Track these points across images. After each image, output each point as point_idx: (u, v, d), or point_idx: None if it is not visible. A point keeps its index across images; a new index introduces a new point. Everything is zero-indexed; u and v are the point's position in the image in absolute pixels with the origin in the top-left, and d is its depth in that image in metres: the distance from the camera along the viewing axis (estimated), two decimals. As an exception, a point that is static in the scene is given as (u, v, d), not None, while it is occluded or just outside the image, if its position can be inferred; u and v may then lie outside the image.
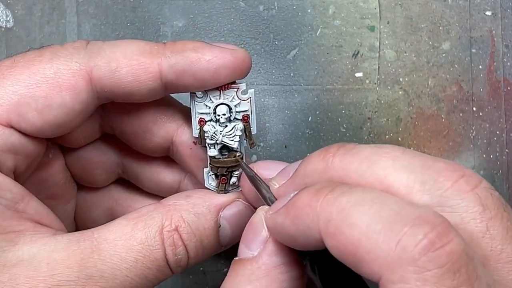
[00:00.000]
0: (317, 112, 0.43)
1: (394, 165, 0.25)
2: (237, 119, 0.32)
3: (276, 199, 0.30)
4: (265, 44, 0.44)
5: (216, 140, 0.32)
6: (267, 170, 0.32)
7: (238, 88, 0.32)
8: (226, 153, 0.33)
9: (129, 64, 0.30)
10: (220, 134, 0.32)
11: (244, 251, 0.29)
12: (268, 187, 0.30)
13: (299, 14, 0.44)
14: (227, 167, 0.33)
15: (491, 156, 0.43)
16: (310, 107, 0.43)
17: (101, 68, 0.30)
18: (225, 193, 0.33)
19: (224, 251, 0.44)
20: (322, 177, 0.27)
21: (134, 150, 0.36)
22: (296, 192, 0.26)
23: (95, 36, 0.44)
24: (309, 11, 0.44)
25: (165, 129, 0.34)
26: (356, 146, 0.27)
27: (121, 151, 0.36)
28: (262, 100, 0.44)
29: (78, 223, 0.38)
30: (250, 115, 0.32)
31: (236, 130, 0.32)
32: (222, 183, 0.33)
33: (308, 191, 0.25)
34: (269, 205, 0.30)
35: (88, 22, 0.44)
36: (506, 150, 0.43)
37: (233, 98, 0.32)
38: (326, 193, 0.24)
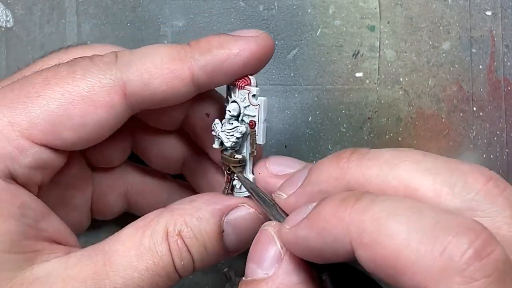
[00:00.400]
0: (317, 112, 0.43)
1: (418, 168, 0.24)
2: (245, 122, 0.32)
3: (283, 210, 0.29)
4: (265, 44, 0.44)
5: (216, 133, 0.32)
6: (279, 166, 0.31)
7: (250, 91, 0.31)
8: (229, 152, 0.33)
9: (161, 73, 0.30)
10: (221, 128, 0.32)
11: (255, 271, 0.27)
12: (273, 198, 0.29)
13: (299, 14, 0.44)
14: (228, 166, 0.33)
15: (491, 156, 0.43)
16: (310, 107, 0.43)
17: (135, 81, 0.30)
18: (226, 193, 0.33)
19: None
20: (338, 184, 0.26)
21: (145, 126, 0.36)
22: (314, 204, 0.25)
23: (95, 36, 0.44)
24: (309, 11, 0.44)
25: (179, 151, 0.35)
26: (370, 151, 0.26)
27: (134, 128, 0.36)
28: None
29: (94, 211, 0.38)
30: (256, 123, 0.32)
31: (236, 132, 0.32)
32: (226, 182, 0.33)
33: (332, 200, 0.24)
34: (275, 219, 0.29)
35: (88, 22, 0.44)
36: (506, 150, 0.43)
37: (244, 99, 0.32)
38: (353, 202, 0.23)
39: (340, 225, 0.23)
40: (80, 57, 0.31)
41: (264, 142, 0.32)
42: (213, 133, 0.32)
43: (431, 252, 0.21)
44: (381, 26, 0.43)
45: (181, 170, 0.38)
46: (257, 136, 0.32)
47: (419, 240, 0.21)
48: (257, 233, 0.29)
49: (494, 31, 0.43)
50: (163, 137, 0.37)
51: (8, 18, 0.44)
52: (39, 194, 0.31)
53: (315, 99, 0.43)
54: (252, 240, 0.30)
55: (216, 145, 0.32)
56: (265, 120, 0.32)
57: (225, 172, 0.33)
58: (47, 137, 0.29)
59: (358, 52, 0.43)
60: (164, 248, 0.29)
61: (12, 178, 0.29)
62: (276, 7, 0.44)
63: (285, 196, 0.29)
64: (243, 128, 0.31)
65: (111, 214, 0.39)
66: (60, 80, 0.30)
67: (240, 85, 0.31)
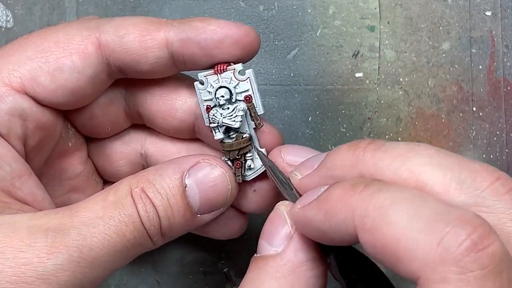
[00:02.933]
0: (317, 112, 0.43)
1: (430, 162, 0.25)
2: (239, 100, 0.32)
3: (297, 191, 0.29)
4: (265, 44, 0.44)
5: (217, 123, 0.32)
6: (294, 156, 0.32)
7: (235, 69, 0.32)
8: (234, 135, 0.33)
9: (137, 30, 0.31)
10: (221, 116, 0.32)
11: (266, 247, 0.28)
12: (286, 176, 0.30)
13: (299, 14, 0.44)
14: (238, 150, 0.33)
15: (491, 156, 0.43)
16: (310, 107, 0.43)
17: (109, 33, 0.31)
18: (243, 179, 0.33)
19: (224, 252, 0.44)
20: (351, 172, 0.27)
21: (156, 138, 0.36)
22: (326, 187, 0.26)
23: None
24: (309, 11, 0.44)
25: (187, 103, 0.34)
26: (387, 143, 0.27)
27: (143, 140, 0.37)
28: (262, 100, 0.43)
29: (106, 175, 0.38)
30: (252, 94, 0.32)
31: (238, 111, 0.32)
32: (237, 168, 0.33)
33: (341, 185, 0.25)
34: (289, 198, 0.29)
35: (88, 22, 0.44)
36: (506, 150, 0.43)
37: (231, 80, 0.32)
38: (361, 189, 0.24)
39: (346, 209, 0.24)
40: None
41: (264, 111, 0.33)
42: (213, 124, 0.32)
43: (429, 241, 0.21)
44: (381, 26, 0.43)
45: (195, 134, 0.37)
46: (256, 108, 0.32)
47: (418, 229, 0.21)
48: (221, 188, 0.31)
49: (494, 31, 0.43)
50: (174, 151, 0.36)
51: (8, 18, 0.44)
52: (28, 158, 0.31)
53: (315, 99, 0.43)
54: (219, 198, 0.31)
55: (219, 135, 0.33)
56: (258, 90, 0.32)
57: (232, 161, 0.33)
58: (25, 83, 0.30)
59: (358, 52, 0.43)
60: (128, 201, 0.29)
61: None
62: (276, 8, 0.44)
63: (300, 176, 0.29)
64: (242, 105, 0.32)
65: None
66: (41, 33, 0.31)
67: (221, 68, 0.32)
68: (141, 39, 0.31)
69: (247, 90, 0.32)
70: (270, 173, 0.31)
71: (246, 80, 0.32)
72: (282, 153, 0.32)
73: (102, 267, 0.28)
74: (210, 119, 0.32)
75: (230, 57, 0.32)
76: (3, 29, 0.44)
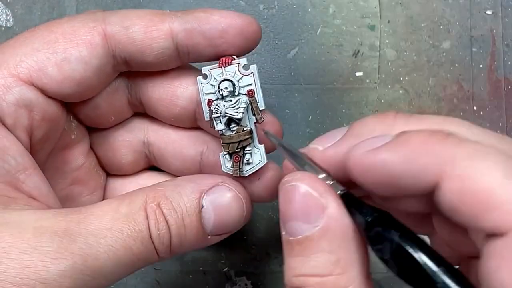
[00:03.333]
0: (318, 111, 0.43)
1: (467, 132, 0.24)
2: (242, 93, 0.33)
3: (316, 164, 0.27)
4: (265, 43, 0.44)
5: (220, 113, 0.32)
6: (328, 138, 0.29)
7: (239, 63, 0.32)
8: (235, 128, 0.33)
9: (142, 22, 0.31)
10: (224, 107, 0.32)
11: (303, 227, 0.25)
12: (302, 153, 0.28)
13: (299, 13, 0.44)
14: (238, 142, 0.33)
15: (492, 156, 0.43)
16: (311, 106, 0.43)
17: (115, 24, 0.31)
18: (241, 174, 0.33)
19: (224, 252, 0.44)
20: None
21: (158, 126, 0.36)
22: (393, 134, 0.24)
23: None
24: (309, 10, 0.44)
25: (188, 91, 0.34)
26: (413, 114, 0.26)
27: (145, 128, 0.37)
28: (262, 99, 0.43)
29: (108, 166, 0.38)
30: (254, 89, 0.33)
31: (241, 103, 0.32)
32: (235, 162, 0.33)
33: (420, 131, 0.24)
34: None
35: (88, 21, 0.44)
36: (507, 150, 0.43)
37: (235, 73, 0.33)
38: (445, 136, 0.23)
39: (432, 153, 0.23)
40: None
41: (265, 107, 0.33)
42: (215, 114, 0.33)
43: None
44: (381, 25, 0.43)
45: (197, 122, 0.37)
46: (258, 103, 0.33)
47: None
48: (236, 213, 0.31)
49: (494, 30, 0.43)
50: (175, 137, 0.37)
51: (8, 18, 0.44)
52: (33, 151, 0.31)
53: (316, 98, 0.43)
54: (232, 223, 0.31)
55: (220, 126, 0.33)
56: (260, 85, 0.33)
57: (230, 155, 0.33)
58: (33, 74, 0.30)
59: (358, 51, 0.43)
60: (140, 216, 0.29)
61: (0, 120, 0.30)
62: (276, 7, 0.44)
63: (321, 148, 0.28)
64: (245, 98, 0.32)
65: (129, 169, 0.38)
66: (47, 25, 0.32)
67: (226, 61, 0.32)
68: (146, 30, 0.31)
69: (250, 85, 0.33)
70: (284, 149, 0.29)
71: (250, 75, 0.33)
72: (315, 144, 0.29)
73: (105, 278, 0.28)
74: (214, 109, 0.33)
75: (234, 47, 0.32)
76: (3, 28, 0.44)
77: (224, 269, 0.43)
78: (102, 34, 0.31)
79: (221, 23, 0.31)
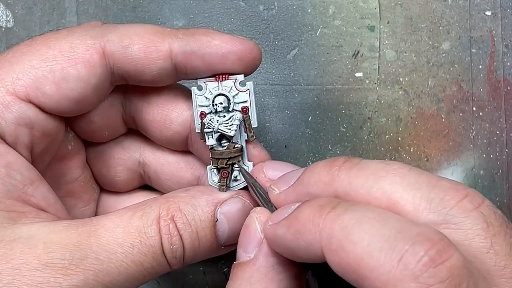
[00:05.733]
0: (317, 112, 0.43)
1: (402, 182, 0.25)
2: (236, 110, 0.33)
3: (273, 205, 0.30)
4: (265, 44, 0.44)
5: (213, 128, 0.32)
6: (275, 171, 0.32)
7: (236, 79, 0.32)
8: (226, 144, 0.33)
9: (141, 41, 0.31)
10: (217, 122, 0.32)
11: (241, 254, 0.29)
12: (267, 192, 0.30)
13: (299, 14, 0.44)
14: (227, 159, 0.33)
15: (491, 156, 0.43)
16: (310, 107, 0.43)
17: (114, 43, 0.31)
18: (226, 190, 0.33)
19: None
20: (326, 189, 0.27)
21: (155, 147, 0.36)
22: (297, 205, 0.26)
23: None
24: (309, 11, 0.44)
25: (183, 116, 0.34)
26: (361, 161, 0.27)
27: (142, 148, 0.37)
28: (262, 100, 0.44)
29: (102, 183, 0.38)
30: (249, 107, 0.32)
31: (234, 120, 0.32)
32: (223, 178, 0.33)
33: (310, 205, 0.25)
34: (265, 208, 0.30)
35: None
36: (506, 150, 0.43)
37: (231, 89, 0.32)
38: (328, 210, 0.24)
39: (314, 230, 0.24)
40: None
41: (257, 125, 0.33)
42: (208, 129, 0.32)
43: (390, 259, 0.22)
44: (381, 26, 0.43)
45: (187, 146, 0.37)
46: (251, 120, 0.33)
47: (379, 248, 0.22)
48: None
49: (494, 31, 0.43)
50: (171, 159, 0.36)
51: (8, 18, 0.44)
52: (33, 164, 0.31)
53: (315, 99, 0.43)
54: None
55: (212, 141, 0.33)
56: (255, 103, 0.33)
57: (218, 169, 0.33)
58: (30, 92, 0.30)
59: (358, 52, 0.43)
60: (153, 230, 0.29)
61: (0, 137, 0.29)
62: (276, 7, 0.44)
63: (277, 191, 0.30)
64: (239, 115, 0.32)
65: (123, 187, 0.38)
66: (44, 40, 0.31)
67: (223, 76, 0.32)
68: (145, 50, 0.31)
69: (245, 102, 0.32)
70: (252, 189, 0.32)
71: (246, 92, 0.32)
72: (264, 169, 0.32)
73: None
74: (207, 124, 0.32)
75: (232, 71, 0.32)
76: (3, 29, 0.44)
77: (224, 269, 0.43)
78: (101, 52, 0.31)
79: (222, 49, 0.31)
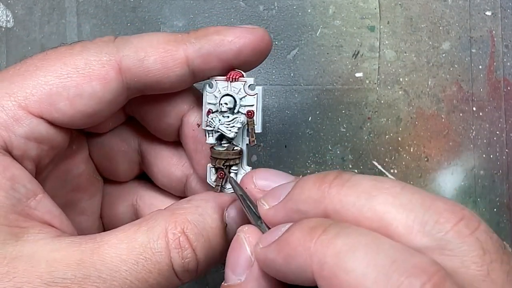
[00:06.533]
0: (317, 112, 0.43)
1: (394, 202, 0.24)
2: (241, 112, 0.32)
3: (263, 221, 0.29)
4: (265, 44, 0.44)
5: (214, 127, 0.32)
6: (265, 180, 0.31)
7: (246, 82, 0.32)
8: (226, 145, 0.33)
9: (156, 52, 0.31)
10: (219, 122, 0.32)
11: (231, 277, 0.28)
12: (256, 206, 0.29)
13: (299, 14, 0.44)
14: (225, 160, 0.33)
15: (491, 156, 0.43)
16: (310, 107, 0.43)
17: (130, 57, 0.31)
18: (221, 191, 0.33)
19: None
20: (316, 207, 0.26)
21: (151, 138, 0.36)
22: (288, 226, 0.26)
23: (95, 36, 0.43)
24: (309, 11, 0.44)
25: (176, 109, 0.34)
26: (353, 177, 0.26)
27: (140, 139, 0.37)
28: (262, 100, 0.44)
29: (104, 220, 0.38)
30: (255, 111, 0.32)
31: (236, 122, 0.32)
32: (219, 178, 0.33)
33: (301, 228, 0.25)
34: (254, 225, 0.29)
35: (88, 22, 0.44)
36: (506, 150, 0.43)
37: (239, 90, 0.32)
38: (320, 233, 0.24)
39: (305, 254, 0.24)
40: (83, 40, 0.32)
41: (261, 131, 0.33)
42: (209, 128, 0.32)
43: None
44: (381, 26, 0.43)
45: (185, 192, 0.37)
46: (255, 125, 0.32)
47: (373, 279, 0.21)
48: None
49: (494, 31, 0.43)
50: (164, 154, 0.37)
51: (8, 18, 0.44)
52: (37, 173, 0.31)
53: (315, 99, 0.43)
54: None
55: (211, 140, 0.33)
56: (261, 109, 0.32)
57: (216, 169, 0.33)
58: (43, 108, 0.30)
59: (358, 52, 0.43)
60: (159, 246, 0.28)
61: (7, 150, 0.29)
62: (276, 7, 0.44)
63: (267, 206, 0.29)
64: (242, 118, 0.32)
65: (124, 176, 0.38)
66: (58, 55, 0.31)
67: (234, 77, 0.32)
68: (162, 60, 0.31)
69: (252, 106, 0.32)
70: (241, 201, 0.30)
71: (254, 96, 0.32)
72: (254, 178, 0.31)
73: None
74: (208, 122, 0.32)
75: (246, 64, 0.32)
76: (3, 29, 0.44)
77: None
78: (117, 68, 0.31)
79: (236, 44, 0.31)
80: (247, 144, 0.33)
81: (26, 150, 0.30)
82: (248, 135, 0.33)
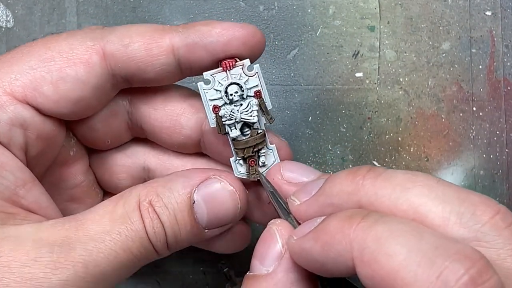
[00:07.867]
0: (317, 112, 0.43)
1: (430, 194, 0.25)
2: (250, 96, 0.32)
3: (294, 217, 0.29)
4: (265, 44, 0.44)
5: (236, 119, 0.32)
6: (293, 173, 0.31)
7: (243, 64, 0.32)
8: (248, 132, 0.33)
9: (142, 39, 0.31)
10: (238, 112, 0.32)
11: (258, 266, 0.28)
12: (286, 203, 0.30)
13: (299, 14, 0.44)
14: (253, 146, 0.32)
15: (491, 156, 0.43)
16: (310, 107, 0.43)
17: (114, 43, 0.31)
18: (258, 177, 0.33)
19: (224, 253, 0.44)
20: (350, 200, 0.26)
21: (160, 151, 0.36)
22: (323, 218, 0.26)
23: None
24: (309, 11, 0.44)
25: (193, 120, 0.33)
26: (386, 170, 0.26)
27: (146, 153, 0.36)
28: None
29: (105, 187, 0.38)
30: (261, 90, 0.32)
31: (252, 106, 0.32)
32: (251, 166, 0.33)
33: (339, 217, 0.25)
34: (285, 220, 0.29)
35: (88, 22, 0.44)
36: (506, 150, 0.43)
37: (240, 76, 0.32)
38: (359, 220, 0.24)
39: (344, 241, 0.24)
40: None
41: (271, 106, 0.33)
42: (229, 121, 0.32)
43: (428, 275, 0.21)
44: (381, 26, 0.43)
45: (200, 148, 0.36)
46: (266, 103, 0.32)
47: (417, 263, 0.21)
48: (230, 206, 0.31)
49: (494, 31, 0.43)
50: (178, 167, 0.36)
51: (8, 18, 0.44)
52: (29, 167, 0.31)
53: (315, 99, 0.43)
54: (227, 215, 0.31)
55: (236, 132, 0.32)
56: (264, 84, 0.32)
57: (245, 159, 0.33)
58: (28, 93, 0.30)
59: (358, 52, 0.43)
60: (135, 215, 0.29)
61: None
62: (276, 7, 0.44)
63: (298, 202, 0.29)
64: (255, 100, 0.32)
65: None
66: (45, 41, 0.31)
67: (229, 64, 0.32)
68: (146, 47, 0.31)
69: (257, 85, 0.32)
70: (270, 197, 0.31)
71: (255, 75, 0.32)
72: (282, 170, 0.32)
73: (108, 281, 0.28)
74: (228, 116, 0.32)
75: (238, 56, 0.32)
76: (3, 29, 0.44)
77: (224, 269, 0.43)
78: (101, 52, 0.31)
79: (224, 36, 0.31)
80: (264, 123, 0.33)
81: (12, 136, 0.30)
82: (263, 115, 0.33)
